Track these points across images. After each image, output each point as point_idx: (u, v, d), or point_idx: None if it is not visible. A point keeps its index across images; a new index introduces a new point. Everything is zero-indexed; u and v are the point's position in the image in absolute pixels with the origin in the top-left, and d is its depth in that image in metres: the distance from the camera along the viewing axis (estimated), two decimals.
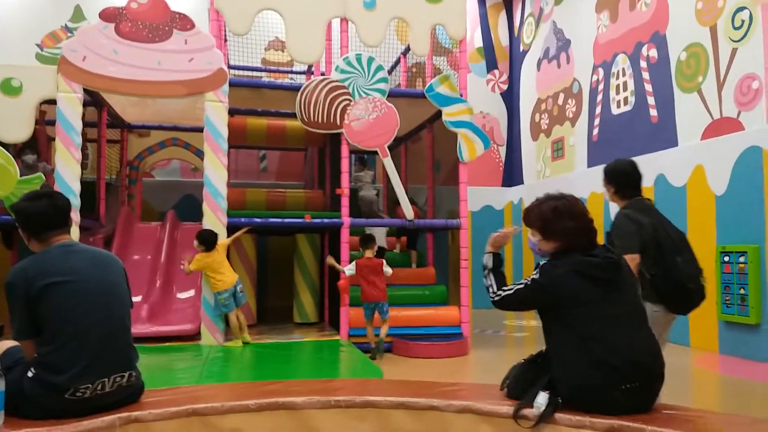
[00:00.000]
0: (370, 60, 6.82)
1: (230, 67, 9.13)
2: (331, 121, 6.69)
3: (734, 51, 6.62)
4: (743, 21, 6.50)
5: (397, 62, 8.89)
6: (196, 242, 6.28)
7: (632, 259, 3.28)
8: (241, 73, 9.67)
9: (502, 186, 11.85)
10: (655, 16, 7.89)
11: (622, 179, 3.52)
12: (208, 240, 6.26)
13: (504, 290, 2.82)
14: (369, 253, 6.38)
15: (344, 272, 6.40)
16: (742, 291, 6.13)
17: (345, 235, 6.67)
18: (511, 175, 11.81)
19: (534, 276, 2.71)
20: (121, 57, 6.28)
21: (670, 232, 3.43)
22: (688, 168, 7.05)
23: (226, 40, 8.50)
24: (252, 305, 7.89)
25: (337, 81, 6.74)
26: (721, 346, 6.53)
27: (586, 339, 2.57)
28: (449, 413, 2.91)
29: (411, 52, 7.31)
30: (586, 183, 8.72)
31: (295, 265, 8.06)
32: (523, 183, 11.38)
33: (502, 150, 11.95)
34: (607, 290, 2.62)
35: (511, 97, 11.93)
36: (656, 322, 3.24)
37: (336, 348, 6.20)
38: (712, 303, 6.57)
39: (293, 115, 7.05)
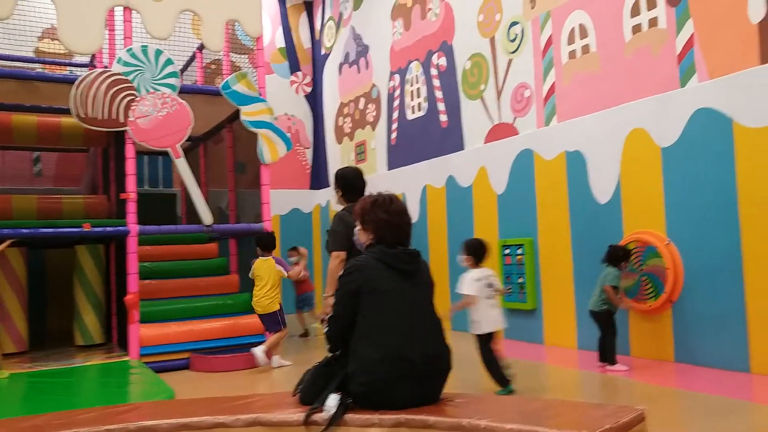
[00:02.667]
0: (158, 53, 6.31)
1: None
2: (113, 117, 6.06)
3: (510, 62, 7.29)
4: (517, 35, 7.18)
5: (193, 58, 8.39)
6: None
7: (337, 256, 3.72)
8: (10, 64, 8.42)
9: (310, 189, 11.83)
10: (443, 26, 8.43)
11: (348, 185, 3.95)
12: None
13: (329, 316, 2.83)
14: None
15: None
16: (520, 280, 6.76)
17: (132, 244, 6.07)
18: (319, 177, 11.85)
19: (340, 275, 2.78)
20: None
21: None
22: (474, 169, 7.62)
23: None
24: (23, 330, 6.85)
25: (119, 74, 6.12)
26: (506, 332, 7.12)
27: (381, 329, 2.63)
28: (237, 428, 2.73)
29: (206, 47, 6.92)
30: (387, 185, 9.00)
31: (75, 281, 7.17)
32: (330, 186, 11.47)
33: (309, 153, 11.94)
34: (405, 282, 2.72)
35: (315, 100, 11.97)
36: None
37: (125, 370, 5.62)
38: None
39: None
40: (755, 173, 4.71)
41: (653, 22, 5.66)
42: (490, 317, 4.46)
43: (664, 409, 3.94)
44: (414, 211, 8.71)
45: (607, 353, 5.14)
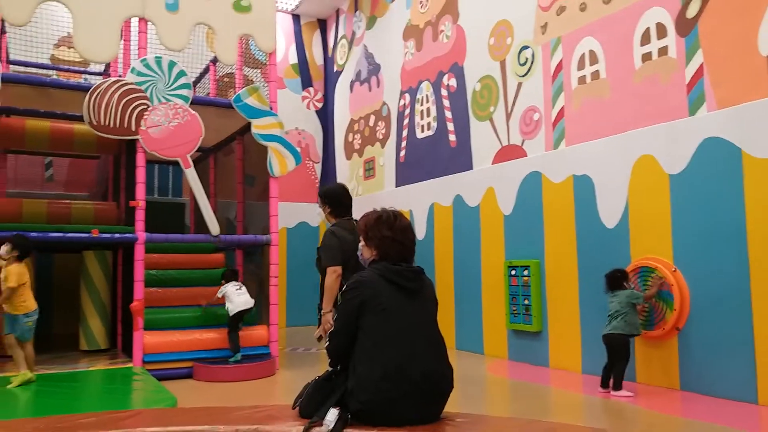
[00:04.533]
0: (172, 64, 6.40)
1: (11, 62, 8.08)
2: (125, 126, 6.13)
3: (520, 85, 7.34)
4: (527, 58, 7.24)
5: (207, 70, 8.50)
6: (6, 247, 5.19)
7: (334, 271, 3.71)
8: (26, 70, 8.55)
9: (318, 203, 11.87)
10: (455, 47, 8.51)
11: (336, 201, 3.98)
12: (22, 245, 5.26)
13: (330, 331, 2.81)
14: None
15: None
16: (526, 302, 6.74)
17: (140, 251, 6.11)
18: None
19: (342, 291, 2.77)
20: None
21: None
22: (481, 190, 7.64)
23: (4, 32, 7.49)
24: None
25: (133, 83, 6.21)
26: (510, 353, 7.11)
27: (382, 346, 2.60)
28: None
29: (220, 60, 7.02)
30: (394, 202, 9.05)
31: (81, 286, 7.21)
32: None
33: (318, 167, 12.01)
34: (408, 300, 2.70)
35: (325, 116, 12.06)
36: None
37: (128, 377, 5.62)
38: (502, 313, 7.14)
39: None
40: (763, 203, 4.70)
41: (663, 51, 5.70)
42: (236, 303, 6.36)
43: None
44: (421, 229, 8.73)
45: (615, 378, 5.12)
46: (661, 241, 5.47)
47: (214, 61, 8.28)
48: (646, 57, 5.85)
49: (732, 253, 4.90)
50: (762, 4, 4.94)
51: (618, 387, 5.09)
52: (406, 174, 9.44)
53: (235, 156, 8.09)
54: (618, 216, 5.87)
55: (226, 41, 6.72)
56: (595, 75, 6.36)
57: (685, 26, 5.52)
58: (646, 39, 5.86)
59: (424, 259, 8.41)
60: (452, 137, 8.47)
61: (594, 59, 6.38)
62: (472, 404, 4.93)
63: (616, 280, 5.27)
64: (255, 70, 10.56)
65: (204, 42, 8.68)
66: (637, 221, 5.70)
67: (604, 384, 5.22)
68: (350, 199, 4.08)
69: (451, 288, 8.05)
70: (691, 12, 5.47)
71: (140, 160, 6.24)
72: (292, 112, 11.41)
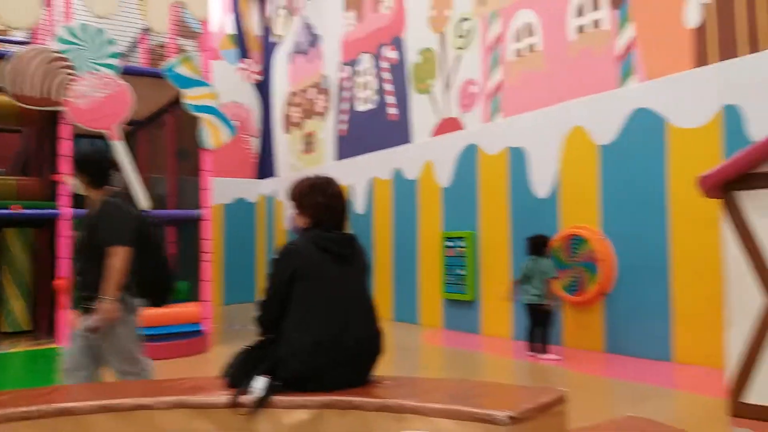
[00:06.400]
0: (100, 32, 6.09)
1: None
2: (48, 96, 5.81)
3: (459, 58, 7.36)
4: (466, 30, 7.26)
5: (140, 40, 8.13)
6: None
7: (124, 251, 3.07)
8: None
9: (256, 178, 11.67)
10: (395, 19, 8.44)
11: (97, 168, 3.25)
12: None
13: (260, 301, 2.75)
14: None
15: None
16: (461, 272, 6.86)
17: (65, 227, 5.85)
18: (265, 167, 11.69)
19: (273, 258, 2.71)
20: None
21: (151, 227, 3.31)
22: (420, 163, 7.68)
23: None
24: None
25: (57, 52, 5.88)
26: (445, 322, 7.23)
27: (314, 314, 2.59)
28: (159, 411, 2.65)
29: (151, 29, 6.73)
30: (335, 176, 8.97)
31: (2, 266, 6.86)
32: (276, 175, 11.35)
33: (256, 141, 11.78)
34: (341, 267, 2.67)
35: (264, 88, 11.80)
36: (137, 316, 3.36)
37: (52, 357, 5.42)
38: (438, 284, 7.25)
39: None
40: (684, 172, 4.90)
41: (597, 24, 5.82)
42: None
43: (588, 394, 4.07)
44: (361, 203, 8.71)
45: (542, 343, 5.29)
46: (589, 210, 5.64)
47: (146, 29, 7.93)
48: (581, 29, 5.96)
49: (654, 220, 5.11)
50: None
51: (544, 351, 5.26)
52: (347, 148, 9.37)
53: (167, 129, 7.82)
54: (549, 186, 6.01)
55: (158, 9, 6.44)
56: (532, 47, 6.44)
57: None
58: (580, 11, 5.96)
59: (364, 233, 8.42)
60: (392, 110, 8.44)
61: (530, 32, 6.46)
62: (406, 370, 4.99)
63: (537, 246, 5.39)
64: (190, 41, 10.20)
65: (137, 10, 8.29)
66: (568, 191, 5.85)
67: (532, 347, 5.39)
68: (111, 164, 3.40)
69: (390, 261, 8.09)
70: None
71: (65, 132, 5.94)
72: (229, 84, 11.10)
